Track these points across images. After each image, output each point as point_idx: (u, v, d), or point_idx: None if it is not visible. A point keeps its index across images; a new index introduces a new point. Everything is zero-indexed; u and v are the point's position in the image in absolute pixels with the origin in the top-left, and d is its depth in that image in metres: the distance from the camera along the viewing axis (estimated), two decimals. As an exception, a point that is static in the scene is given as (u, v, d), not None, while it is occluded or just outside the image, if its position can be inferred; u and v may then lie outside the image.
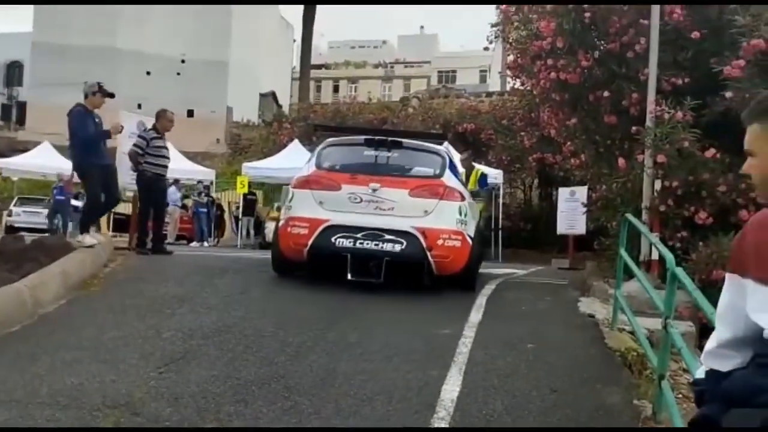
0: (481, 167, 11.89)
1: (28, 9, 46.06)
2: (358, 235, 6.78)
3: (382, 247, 6.76)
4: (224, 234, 21.77)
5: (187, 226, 19.68)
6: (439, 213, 6.98)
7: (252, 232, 20.78)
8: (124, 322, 5.11)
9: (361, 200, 6.99)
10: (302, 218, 6.99)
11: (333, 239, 6.79)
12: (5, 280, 5.10)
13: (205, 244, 18.49)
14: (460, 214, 7.09)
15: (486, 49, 15.11)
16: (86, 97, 8.09)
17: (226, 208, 22.55)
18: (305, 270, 7.13)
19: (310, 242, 6.83)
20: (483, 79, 53.93)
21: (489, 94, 31.20)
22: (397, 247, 6.77)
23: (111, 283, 6.55)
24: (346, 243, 6.77)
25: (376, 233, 6.80)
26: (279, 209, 19.87)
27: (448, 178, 7.34)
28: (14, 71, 51.80)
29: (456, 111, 22.33)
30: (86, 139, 7.89)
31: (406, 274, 6.95)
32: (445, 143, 8.76)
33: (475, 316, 5.86)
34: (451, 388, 4.03)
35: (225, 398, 3.72)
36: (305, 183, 7.24)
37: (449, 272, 6.99)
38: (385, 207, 6.97)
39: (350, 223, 6.88)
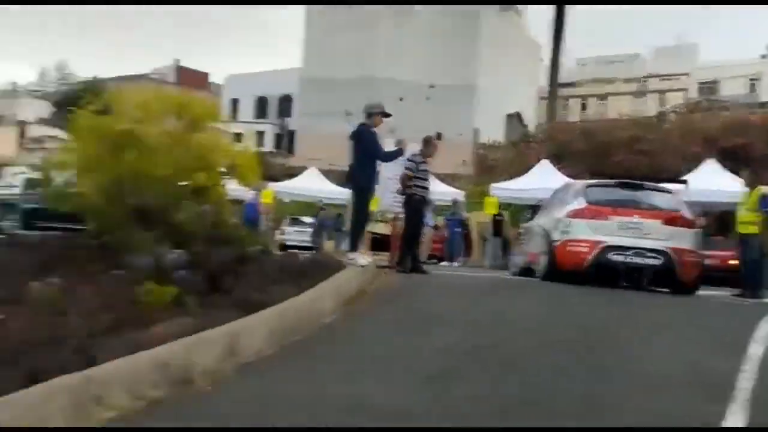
0: (764, 188, 10.96)
1: (297, 47, 51.30)
2: (628, 253, 9.31)
3: (646, 261, 9.33)
4: (472, 254, 22.08)
5: (438, 246, 20.29)
6: (680, 237, 9.52)
7: (500, 253, 20.86)
8: (395, 338, 5.40)
9: (627, 227, 9.38)
10: (581, 240, 9.42)
11: (609, 255, 9.32)
12: (290, 293, 5.69)
13: (455, 263, 18.89)
14: (695, 237, 9.73)
15: (764, 56, 13.83)
16: (369, 116, 8.49)
17: (473, 228, 22.89)
18: (577, 278, 9.25)
19: (590, 257, 9.34)
20: (752, 88, 48.92)
21: (762, 105, 28.24)
22: (657, 262, 9.37)
23: (379, 299, 6.96)
24: (620, 258, 9.33)
25: (640, 251, 9.31)
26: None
27: (684, 212, 9.90)
28: (285, 104, 58.03)
29: (720, 125, 20.56)
30: (384, 158, 8.36)
31: (659, 282, 9.64)
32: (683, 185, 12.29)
33: (757, 348, 5.33)
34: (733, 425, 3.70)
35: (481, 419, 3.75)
36: (581, 214, 9.58)
37: (687, 279, 9.55)
38: (643, 232, 9.41)
39: (621, 243, 9.31)
